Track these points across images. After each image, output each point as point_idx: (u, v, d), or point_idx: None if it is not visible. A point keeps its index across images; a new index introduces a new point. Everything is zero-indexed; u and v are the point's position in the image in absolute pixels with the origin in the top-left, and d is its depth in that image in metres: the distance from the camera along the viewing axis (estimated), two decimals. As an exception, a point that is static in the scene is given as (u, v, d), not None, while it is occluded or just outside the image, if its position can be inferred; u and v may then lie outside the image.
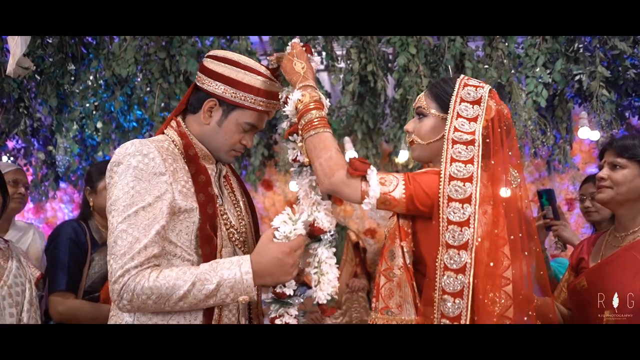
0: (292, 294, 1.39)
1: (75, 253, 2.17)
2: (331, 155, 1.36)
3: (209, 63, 1.50)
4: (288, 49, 1.48)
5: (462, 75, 1.49)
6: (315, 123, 1.38)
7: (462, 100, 1.42)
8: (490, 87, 1.46)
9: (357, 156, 3.12)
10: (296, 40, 1.49)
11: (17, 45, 1.88)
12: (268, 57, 1.49)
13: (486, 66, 2.92)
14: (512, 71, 2.91)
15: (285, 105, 1.44)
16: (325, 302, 1.39)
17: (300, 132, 1.41)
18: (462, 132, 1.37)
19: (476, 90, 1.43)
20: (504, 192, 1.38)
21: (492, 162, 1.39)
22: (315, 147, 1.38)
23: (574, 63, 2.86)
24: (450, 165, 1.35)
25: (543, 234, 2.20)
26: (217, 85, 1.47)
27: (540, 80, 2.82)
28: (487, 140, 1.39)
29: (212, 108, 1.49)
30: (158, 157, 1.37)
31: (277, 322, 1.39)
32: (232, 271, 1.31)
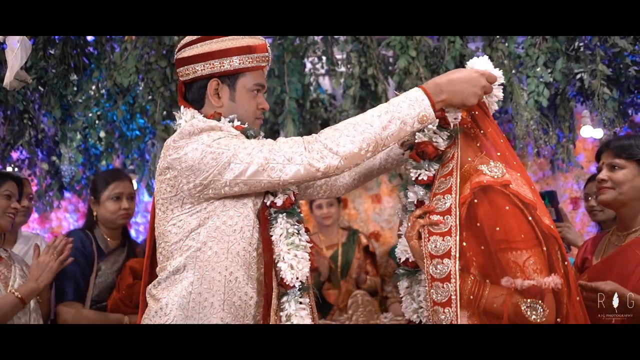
0: (457, 123, 1.43)
1: (81, 263, 2.18)
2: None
3: (186, 53, 1.45)
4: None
5: None
6: None
7: None
8: None
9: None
10: None
11: (16, 57, 1.86)
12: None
13: (487, 67, 2.91)
14: (513, 71, 2.91)
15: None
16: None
17: None
18: None
19: None
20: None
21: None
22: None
23: (574, 62, 2.85)
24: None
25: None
26: (210, 64, 1.42)
27: (541, 79, 2.81)
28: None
29: (217, 88, 1.45)
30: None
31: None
32: (400, 97, 1.37)
